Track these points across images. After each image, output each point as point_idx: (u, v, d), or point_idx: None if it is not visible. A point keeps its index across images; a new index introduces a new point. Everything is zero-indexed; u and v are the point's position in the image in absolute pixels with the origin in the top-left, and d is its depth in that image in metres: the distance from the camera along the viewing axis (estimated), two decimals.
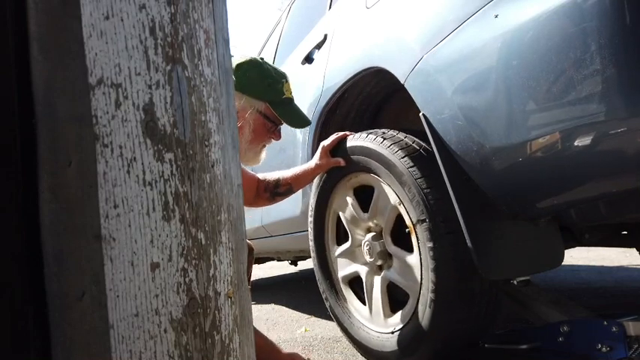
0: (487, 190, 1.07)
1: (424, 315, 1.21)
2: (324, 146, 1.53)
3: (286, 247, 2.59)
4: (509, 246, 1.10)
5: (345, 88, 1.62)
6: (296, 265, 3.92)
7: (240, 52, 3.49)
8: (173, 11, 0.46)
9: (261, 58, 1.43)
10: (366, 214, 1.46)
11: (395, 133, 1.34)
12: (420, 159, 1.22)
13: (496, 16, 0.94)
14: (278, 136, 1.45)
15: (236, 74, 1.33)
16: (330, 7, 2.01)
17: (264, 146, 1.45)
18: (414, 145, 1.27)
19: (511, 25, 0.90)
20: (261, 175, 1.55)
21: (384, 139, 1.32)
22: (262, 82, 1.35)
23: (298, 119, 1.42)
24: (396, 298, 1.41)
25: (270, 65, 1.41)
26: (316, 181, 1.65)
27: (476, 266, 1.07)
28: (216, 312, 0.48)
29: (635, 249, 1.91)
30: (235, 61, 1.36)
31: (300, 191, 1.87)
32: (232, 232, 0.51)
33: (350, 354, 1.58)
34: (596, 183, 0.92)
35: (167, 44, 0.45)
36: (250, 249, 1.57)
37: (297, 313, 2.46)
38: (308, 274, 4.34)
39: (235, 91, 1.32)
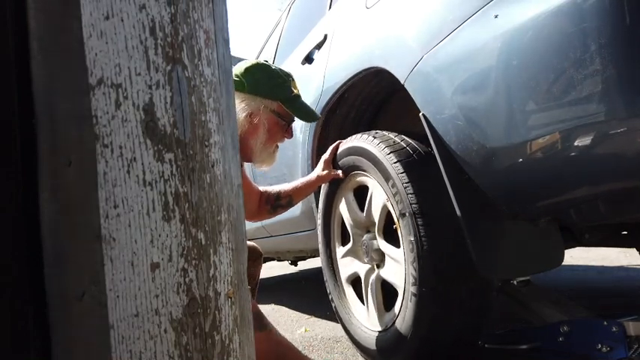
0: (487, 190, 1.07)
1: (407, 310, 1.22)
2: (325, 159, 1.58)
3: (286, 247, 2.60)
4: (510, 246, 1.10)
5: (345, 88, 1.63)
6: (296, 265, 3.92)
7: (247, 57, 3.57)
8: (173, 11, 0.46)
9: (265, 61, 1.46)
10: (363, 213, 1.47)
11: (386, 133, 1.38)
12: (405, 156, 1.25)
13: (496, 16, 0.94)
14: (290, 134, 1.48)
15: (246, 78, 1.35)
16: (330, 7, 2.01)
17: (277, 147, 1.48)
18: (401, 143, 1.31)
19: (511, 25, 0.90)
20: (262, 188, 1.59)
21: (375, 138, 1.37)
22: (271, 82, 1.38)
23: (309, 114, 1.46)
24: (393, 298, 1.41)
25: (275, 66, 1.45)
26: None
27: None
28: (217, 312, 0.48)
29: (635, 249, 1.91)
30: (243, 65, 1.39)
31: None
32: (232, 233, 0.51)
33: (350, 354, 1.58)
34: (596, 183, 0.92)
35: (167, 44, 0.45)
36: (259, 254, 1.58)
37: (297, 313, 2.46)
38: (308, 274, 4.35)
39: (247, 93, 1.35)
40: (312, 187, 1.61)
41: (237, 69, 1.40)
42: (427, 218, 1.16)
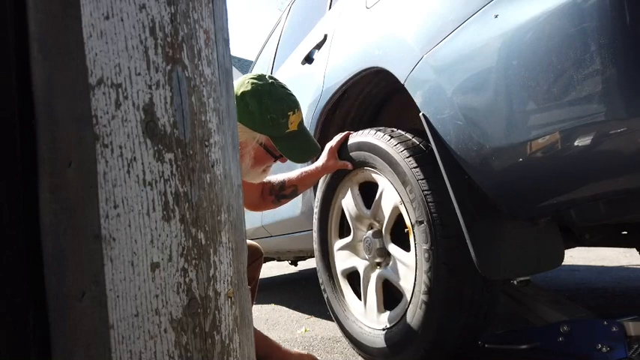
0: (487, 190, 1.07)
1: (415, 316, 1.22)
2: (331, 147, 1.54)
3: (286, 247, 2.60)
4: (510, 246, 1.10)
5: (345, 88, 1.63)
6: (296, 265, 3.93)
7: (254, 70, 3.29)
8: (173, 11, 0.46)
9: (272, 81, 1.29)
10: (368, 210, 1.47)
11: (402, 133, 1.34)
12: (425, 160, 1.22)
13: (496, 16, 0.94)
14: (284, 160, 1.37)
15: (238, 105, 1.22)
16: (330, 7, 2.01)
17: (269, 165, 1.39)
18: (420, 145, 1.27)
19: (511, 25, 0.90)
20: (265, 179, 1.55)
21: (392, 137, 1.33)
22: (263, 117, 1.23)
23: (301, 153, 1.32)
24: (392, 296, 1.41)
25: (276, 93, 1.26)
26: None
27: (476, 267, 1.07)
28: (216, 312, 0.48)
29: (635, 249, 1.91)
30: (242, 86, 1.26)
31: None
32: (232, 232, 0.51)
33: (350, 354, 1.58)
34: (596, 183, 0.92)
35: (167, 44, 0.45)
36: (260, 253, 1.57)
37: (297, 313, 2.46)
38: (308, 274, 4.35)
39: (237, 121, 1.24)
40: (318, 177, 1.57)
41: (235, 86, 1.25)
42: (447, 229, 1.14)
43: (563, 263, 1.13)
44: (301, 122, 1.32)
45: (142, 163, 0.43)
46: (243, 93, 1.24)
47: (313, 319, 2.25)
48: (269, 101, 1.24)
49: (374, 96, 1.69)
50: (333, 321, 2.03)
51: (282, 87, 1.30)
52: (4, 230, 0.38)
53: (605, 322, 1.04)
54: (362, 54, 1.49)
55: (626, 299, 2.05)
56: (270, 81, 1.29)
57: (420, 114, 1.17)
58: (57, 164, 0.39)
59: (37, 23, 0.39)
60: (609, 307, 1.89)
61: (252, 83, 1.25)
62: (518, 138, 0.93)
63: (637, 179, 0.85)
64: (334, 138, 1.56)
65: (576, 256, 3.54)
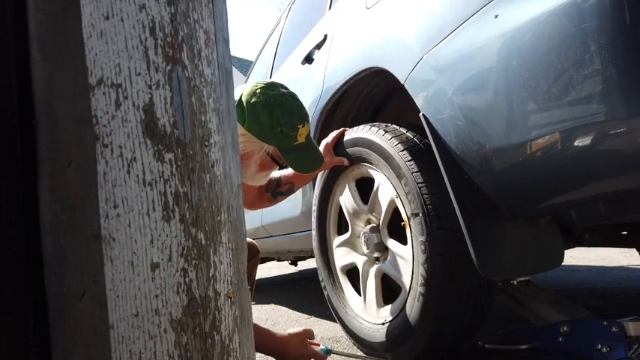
0: (487, 190, 1.07)
1: (413, 308, 1.22)
2: (327, 144, 1.55)
3: (286, 247, 2.60)
4: (509, 246, 1.10)
5: (345, 88, 1.63)
6: (296, 265, 3.93)
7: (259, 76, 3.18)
8: (173, 11, 0.46)
9: (283, 92, 1.26)
10: (366, 205, 1.48)
11: (396, 127, 1.36)
12: (419, 153, 1.24)
13: (496, 16, 0.94)
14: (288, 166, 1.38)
15: (249, 114, 1.22)
16: (330, 7, 2.01)
17: (273, 170, 1.41)
18: (414, 139, 1.28)
19: (511, 25, 0.90)
20: None
21: (386, 132, 1.34)
22: (273, 129, 1.23)
23: (306, 165, 1.33)
24: (391, 291, 1.42)
25: (288, 105, 1.25)
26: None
27: (475, 265, 1.07)
28: (216, 312, 0.48)
29: (635, 249, 1.91)
30: (252, 95, 1.23)
31: (300, 191, 1.88)
32: (232, 232, 0.51)
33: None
34: (597, 183, 0.92)
35: (167, 44, 0.45)
36: (257, 251, 1.57)
37: (297, 313, 2.46)
38: (308, 274, 4.35)
39: (246, 129, 1.22)
40: (314, 174, 1.57)
41: (246, 94, 1.23)
42: (442, 220, 1.15)
43: (563, 263, 1.13)
44: (309, 134, 1.32)
45: (142, 163, 0.43)
46: (254, 103, 1.22)
47: (313, 319, 2.25)
48: (280, 114, 1.22)
49: (374, 96, 1.69)
50: (332, 321, 2.03)
51: (294, 97, 1.29)
52: (4, 230, 0.38)
53: (605, 322, 1.04)
54: (362, 54, 1.49)
55: (626, 299, 2.05)
56: (282, 91, 1.26)
57: (420, 114, 1.17)
58: (57, 164, 0.39)
59: (37, 23, 0.39)
60: (609, 307, 1.89)
61: (264, 94, 1.23)
62: (518, 138, 0.93)
63: (637, 179, 0.85)
64: (330, 135, 1.58)
65: (576, 256, 3.54)
